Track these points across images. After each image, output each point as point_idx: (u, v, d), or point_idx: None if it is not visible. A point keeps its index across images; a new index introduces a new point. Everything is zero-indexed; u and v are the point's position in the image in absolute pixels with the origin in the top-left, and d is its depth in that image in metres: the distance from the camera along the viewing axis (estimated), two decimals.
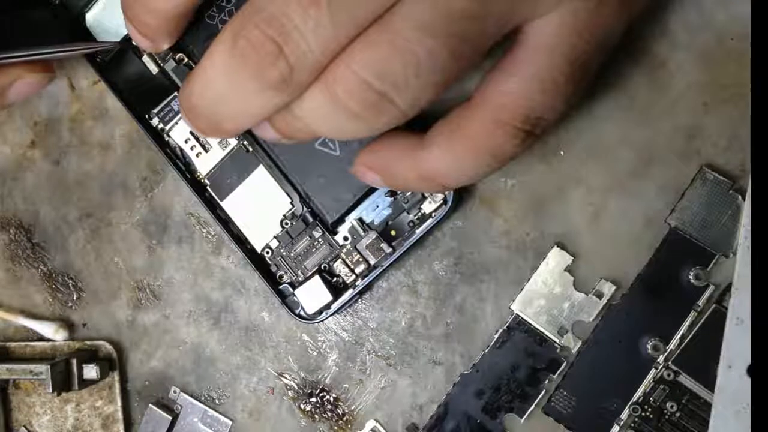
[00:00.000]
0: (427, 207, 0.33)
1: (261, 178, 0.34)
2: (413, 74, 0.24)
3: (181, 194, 0.36)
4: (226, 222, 0.34)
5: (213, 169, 0.34)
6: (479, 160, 0.27)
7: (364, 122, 0.25)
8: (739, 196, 0.32)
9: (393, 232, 0.33)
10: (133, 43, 0.34)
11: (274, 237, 0.34)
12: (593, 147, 0.33)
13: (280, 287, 0.34)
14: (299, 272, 0.34)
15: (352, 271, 0.33)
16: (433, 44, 0.24)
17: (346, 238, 0.33)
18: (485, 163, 0.27)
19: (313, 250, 0.34)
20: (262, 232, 0.34)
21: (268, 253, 0.34)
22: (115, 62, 0.34)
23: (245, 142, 0.34)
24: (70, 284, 0.37)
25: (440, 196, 0.33)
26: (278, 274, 0.34)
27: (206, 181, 0.34)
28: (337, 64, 0.24)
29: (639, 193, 0.33)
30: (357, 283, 0.33)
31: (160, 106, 0.34)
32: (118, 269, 0.37)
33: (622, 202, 0.33)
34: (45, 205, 0.37)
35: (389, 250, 0.33)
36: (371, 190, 0.33)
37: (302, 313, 0.34)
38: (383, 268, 0.33)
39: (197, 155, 0.34)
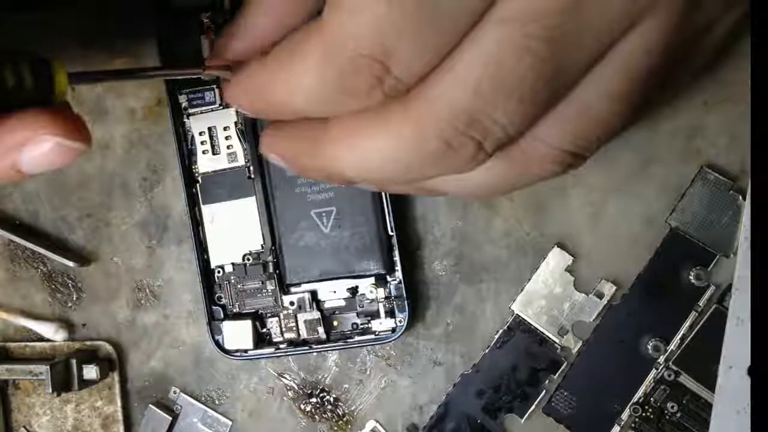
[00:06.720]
0: (376, 325, 0.33)
1: (248, 208, 0.34)
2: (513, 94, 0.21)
3: (180, 194, 0.36)
4: (197, 224, 0.34)
5: (211, 172, 0.34)
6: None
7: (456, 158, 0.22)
8: (739, 196, 0.32)
9: (335, 323, 0.34)
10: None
11: (231, 263, 0.34)
12: None
13: (214, 308, 0.34)
14: (237, 305, 0.34)
15: (282, 333, 0.34)
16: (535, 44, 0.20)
17: (292, 303, 0.34)
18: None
19: (259, 295, 0.34)
20: (222, 253, 0.34)
21: (219, 273, 0.34)
22: (177, 27, 0.33)
23: (251, 167, 0.34)
24: (70, 284, 0.37)
25: (392, 323, 0.33)
26: (217, 295, 0.34)
27: (199, 179, 0.34)
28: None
29: (639, 193, 0.33)
30: (281, 346, 0.34)
31: (193, 90, 0.34)
32: (117, 269, 0.37)
33: (622, 202, 0.33)
34: (45, 205, 0.37)
35: (323, 335, 0.33)
36: (338, 276, 0.33)
37: (221, 341, 0.34)
38: (306, 352, 0.34)
39: (203, 152, 0.34)
